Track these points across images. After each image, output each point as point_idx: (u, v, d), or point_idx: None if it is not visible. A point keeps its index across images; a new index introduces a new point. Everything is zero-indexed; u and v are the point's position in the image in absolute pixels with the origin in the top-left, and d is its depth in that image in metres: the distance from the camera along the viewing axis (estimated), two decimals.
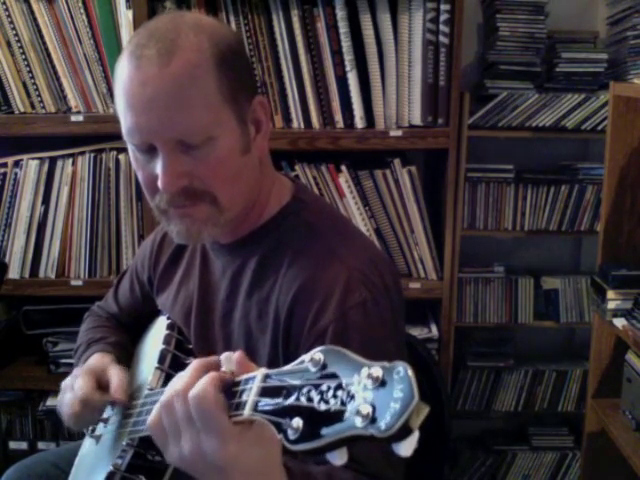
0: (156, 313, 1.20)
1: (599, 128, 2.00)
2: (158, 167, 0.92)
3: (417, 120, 1.90)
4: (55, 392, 2.13)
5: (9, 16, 1.89)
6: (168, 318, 1.11)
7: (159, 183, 0.92)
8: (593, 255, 1.97)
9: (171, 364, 1.01)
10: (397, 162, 1.91)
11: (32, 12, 1.90)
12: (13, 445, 2.15)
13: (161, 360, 1.01)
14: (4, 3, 1.89)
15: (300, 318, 0.94)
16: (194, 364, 0.73)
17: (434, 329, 2.03)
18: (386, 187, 1.93)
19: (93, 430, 1.13)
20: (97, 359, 1.13)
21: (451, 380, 2.19)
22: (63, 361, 2.06)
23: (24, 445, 2.15)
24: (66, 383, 1.09)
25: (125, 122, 0.92)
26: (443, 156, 1.92)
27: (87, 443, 1.22)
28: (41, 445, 2.14)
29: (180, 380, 0.71)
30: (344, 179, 1.92)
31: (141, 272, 1.26)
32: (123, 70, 0.92)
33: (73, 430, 1.11)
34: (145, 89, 0.89)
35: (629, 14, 1.98)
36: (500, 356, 2.26)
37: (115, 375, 1.04)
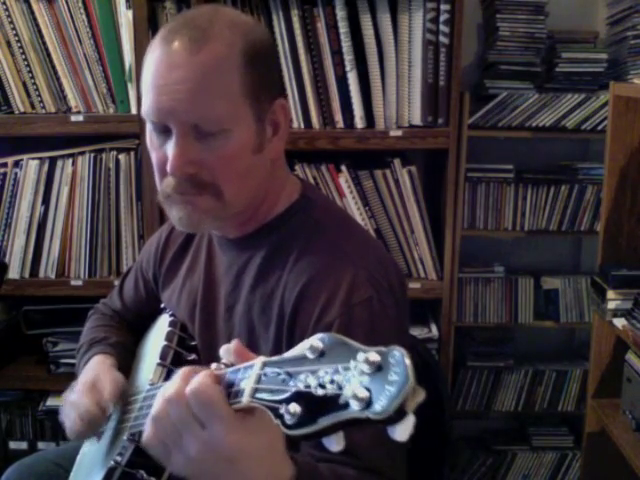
0: (159, 312, 1.20)
1: (599, 128, 2.00)
2: (169, 149, 0.93)
3: (417, 120, 1.90)
4: (55, 392, 2.14)
5: (9, 16, 1.89)
6: (171, 315, 1.12)
7: (167, 165, 0.93)
8: (593, 255, 1.97)
9: (173, 360, 1.01)
10: (397, 162, 1.91)
11: (32, 12, 1.89)
12: (13, 445, 2.15)
13: (163, 356, 1.01)
14: (4, 3, 1.89)
15: (306, 313, 0.95)
16: (180, 373, 0.72)
17: (434, 329, 2.03)
18: (386, 187, 1.93)
19: None
20: (98, 363, 1.13)
21: (451, 380, 2.19)
22: (63, 361, 2.06)
23: (24, 445, 2.15)
24: (70, 398, 1.08)
25: (146, 100, 0.94)
26: (443, 156, 1.92)
27: (88, 441, 1.22)
28: (41, 445, 2.14)
29: (170, 386, 0.70)
30: (344, 179, 1.92)
31: (146, 269, 1.27)
32: (154, 52, 0.94)
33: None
34: (172, 72, 0.91)
35: (629, 14, 1.98)
36: (500, 356, 2.26)
37: (109, 383, 1.05)
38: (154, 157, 0.98)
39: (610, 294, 1.75)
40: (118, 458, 0.94)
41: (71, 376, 1.18)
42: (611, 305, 1.75)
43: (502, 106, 2.01)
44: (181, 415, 0.68)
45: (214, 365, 0.71)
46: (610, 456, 1.85)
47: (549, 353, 2.34)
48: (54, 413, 2.08)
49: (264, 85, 0.96)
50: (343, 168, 1.92)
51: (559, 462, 2.30)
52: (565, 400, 2.25)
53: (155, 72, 0.93)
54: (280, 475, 0.71)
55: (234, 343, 0.71)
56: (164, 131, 0.94)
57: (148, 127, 0.98)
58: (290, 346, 0.95)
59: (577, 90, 2.02)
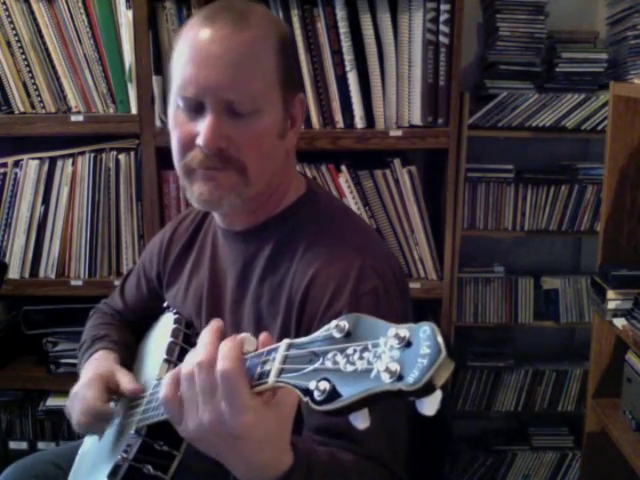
0: (161, 311, 1.21)
1: (599, 128, 2.00)
2: (201, 125, 0.95)
3: (417, 120, 1.90)
4: (55, 392, 2.14)
5: (9, 16, 1.89)
6: (175, 313, 1.12)
7: (200, 139, 0.95)
8: (593, 255, 1.97)
9: (179, 357, 1.02)
10: (397, 162, 1.91)
11: (32, 12, 1.89)
12: (13, 445, 2.15)
13: (169, 352, 1.02)
14: (4, 3, 1.89)
15: (314, 301, 0.96)
16: (208, 336, 0.72)
17: None
18: (386, 187, 1.93)
19: None
20: (101, 357, 1.14)
21: (451, 380, 2.19)
22: (63, 361, 2.06)
23: (24, 445, 2.15)
24: (75, 391, 1.09)
25: (182, 75, 0.95)
26: (443, 156, 1.92)
27: (88, 441, 1.22)
28: (41, 445, 2.14)
29: (200, 352, 0.71)
30: (344, 179, 1.92)
31: (149, 269, 1.27)
32: (191, 30, 0.96)
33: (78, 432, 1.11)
34: (213, 45, 0.93)
35: (629, 14, 1.98)
36: (500, 356, 2.26)
37: (123, 375, 1.07)
38: (178, 132, 0.99)
39: (610, 294, 1.75)
40: (124, 454, 0.94)
41: (71, 376, 1.18)
42: (611, 305, 1.75)
43: (502, 106, 2.01)
44: (207, 382, 0.69)
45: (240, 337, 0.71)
46: (610, 456, 1.85)
47: (549, 353, 2.34)
48: (54, 413, 2.08)
49: (290, 76, 1.01)
50: (343, 168, 1.92)
51: (559, 462, 2.30)
52: (565, 400, 2.25)
53: (195, 46, 0.95)
54: (278, 463, 0.73)
55: (263, 335, 0.71)
56: (196, 109, 0.96)
57: (174, 105, 0.99)
58: (297, 335, 0.96)
59: (577, 90, 2.02)
